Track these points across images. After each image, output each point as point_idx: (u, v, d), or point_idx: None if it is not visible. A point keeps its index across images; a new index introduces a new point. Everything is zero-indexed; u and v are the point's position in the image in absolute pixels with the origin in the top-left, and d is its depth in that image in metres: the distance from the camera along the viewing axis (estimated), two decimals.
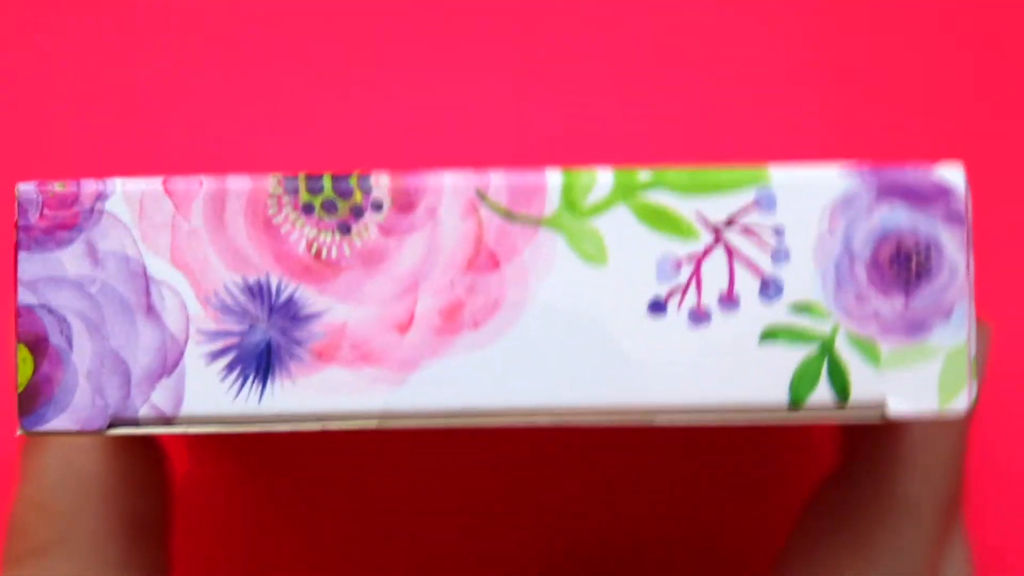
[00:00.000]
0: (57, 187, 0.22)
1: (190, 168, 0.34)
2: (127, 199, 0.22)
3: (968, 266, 0.22)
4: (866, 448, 0.30)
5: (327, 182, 0.22)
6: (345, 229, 0.22)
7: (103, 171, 0.25)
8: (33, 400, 0.22)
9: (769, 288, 0.23)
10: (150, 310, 0.22)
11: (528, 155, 0.35)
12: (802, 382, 0.23)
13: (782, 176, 0.23)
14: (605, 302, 0.23)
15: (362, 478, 0.35)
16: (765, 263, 0.23)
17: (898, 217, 0.22)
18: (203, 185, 0.22)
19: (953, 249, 0.22)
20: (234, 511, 0.35)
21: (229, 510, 0.35)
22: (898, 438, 0.29)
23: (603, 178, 0.22)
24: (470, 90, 0.35)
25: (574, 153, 0.35)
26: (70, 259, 0.22)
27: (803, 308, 0.23)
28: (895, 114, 0.35)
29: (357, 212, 0.22)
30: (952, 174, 0.22)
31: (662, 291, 0.23)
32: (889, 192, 0.22)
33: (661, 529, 0.35)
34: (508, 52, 0.36)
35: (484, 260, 0.23)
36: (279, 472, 0.35)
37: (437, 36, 0.36)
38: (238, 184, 0.22)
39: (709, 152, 0.35)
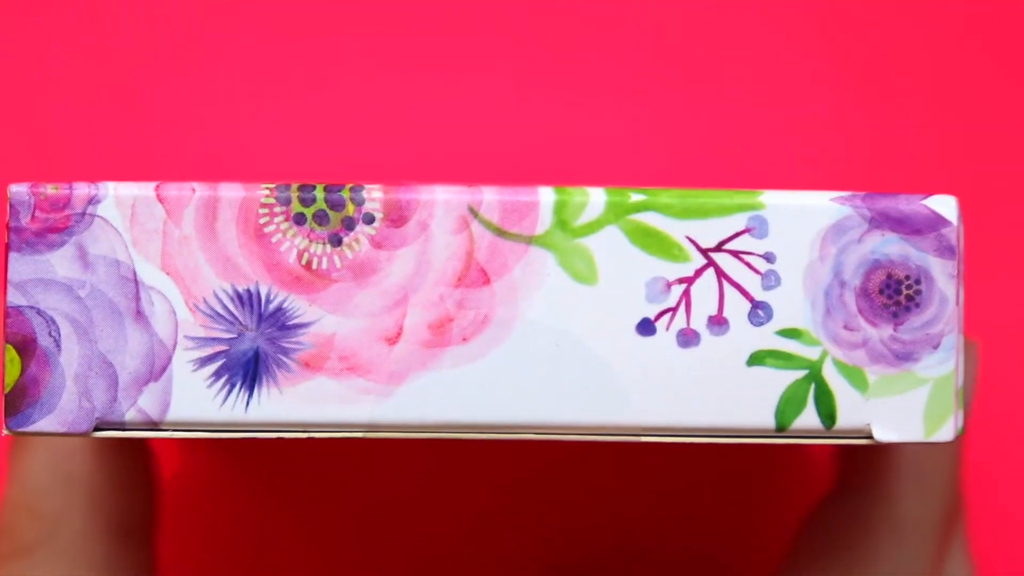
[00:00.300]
0: (50, 189, 0.22)
1: (183, 174, 0.34)
2: (119, 204, 0.22)
3: (958, 297, 0.23)
4: (862, 467, 0.30)
5: (320, 193, 0.22)
6: (336, 241, 0.22)
7: (96, 175, 0.25)
8: (19, 401, 0.22)
9: (758, 313, 0.23)
10: (139, 315, 0.22)
11: (522, 169, 0.35)
12: (789, 406, 0.23)
13: (774, 202, 0.23)
14: (594, 321, 0.23)
15: (358, 480, 0.35)
16: (755, 288, 0.23)
17: (889, 246, 0.22)
18: (195, 192, 0.22)
19: (944, 280, 0.22)
20: (226, 512, 0.35)
21: (220, 511, 0.35)
22: (893, 457, 0.29)
23: (596, 198, 0.22)
24: (466, 100, 0.35)
25: (569, 169, 0.35)
26: (60, 262, 0.22)
27: (792, 333, 0.23)
28: (892, 140, 0.35)
29: (349, 224, 0.22)
30: (945, 205, 0.22)
31: (651, 312, 0.23)
32: (881, 221, 0.22)
33: (658, 541, 0.35)
34: (505, 66, 0.36)
35: (474, 276, 0.23)
36: (272, 473, 0.35)
37: (434, 46, 0.36)
38: (230, 192, 0.22)
39: (704, 171, 0.35)
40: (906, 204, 0.23)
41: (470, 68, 0.36)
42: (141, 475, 0.31)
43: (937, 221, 0.22)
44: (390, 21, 0.36)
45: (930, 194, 0.23)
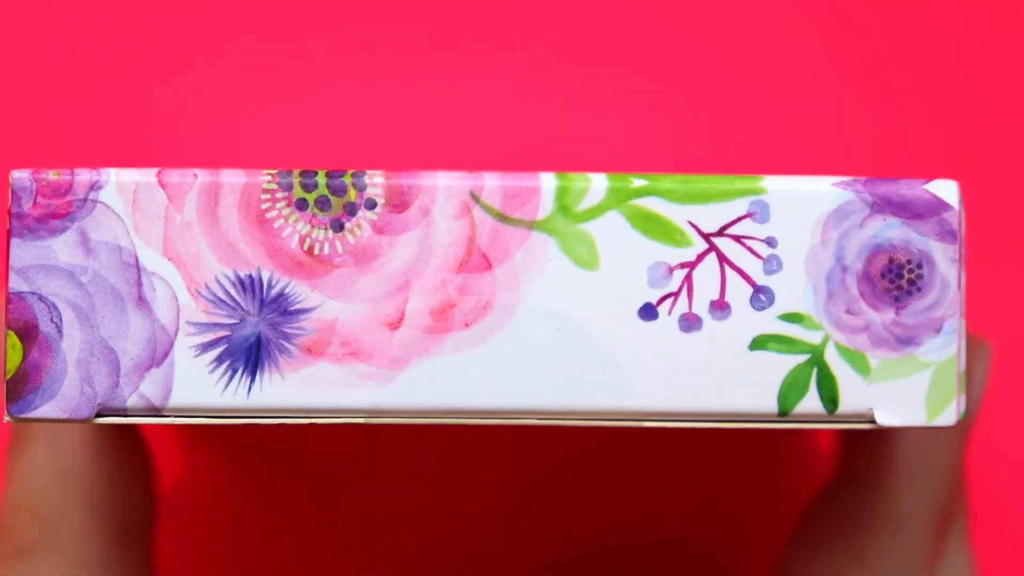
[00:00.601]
0: (51, 175, 0.22)
1: (185, 161, 0.34)
2: (121, 190, 0.22)
3: (960, 281, 0.23)
4: (863, 458, 0.30)
5: (322, 179, 0.22)
6: (338, 226, 0.22)
7: (98, 161, 0.25)
8: (21, 387, 0.22)
9: (760, 297, 0.23)
10: (141, 301, 0.22)
11: (524, 157, 0.35)
12: (791, 391, 0.23)
13: (776, 187, 0.23)
14: (596, 306, 0.23)
15: (358, 477, 0.35)
16: (757, 272, 0.23)
17: (891, 231, 0.22)
18: (197, 178, 0.22)
19: (945, 264, 0.22)
20: (226, 512, 0.35)
21: (220, 511, 0.35)
22: (894, 449, 0.29)
23: (597, 183, 0.23)
24: (468, 89, 0.35)
25: (570, 157, 0.35)
26: (62, 248, 0.22)
27: (794, 318, 0.23)
28: (893, 127, 0.35)
29: (351, 209, 0.22)
30: (946, 190, 0.22)
31: (653, 296, 0.23)
32: (883, 205, 0.22)
33: (659, 532, 0.35)
34: (507, 54, 0.36)
35: (476, 261, 0.23)
36: (272, 471, 0.35)
37: (436, 34, 0.36)
38: (232, 178, 0.22)
39: (706, 159, 0.35)
40: (907, 189, 0.23)
41: (473, 57, 0.36)
42: (140, 474, 0.31)
43: (938, 205, 0.22)
44: (393, 11, 0.36)
45: (931, 179, 0.23)
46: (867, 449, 0.30)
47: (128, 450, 0.30)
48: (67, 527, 0.29)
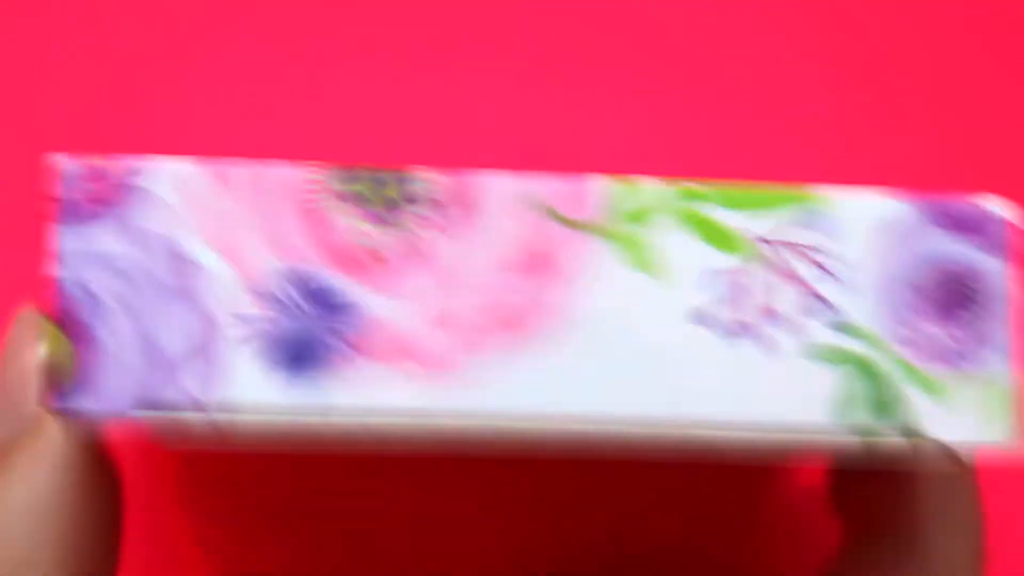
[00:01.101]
0: (98, 162, 0.22)
1: (228, 153, 0.33)
2: (170, 179, 0.22)
3: (1014, 297, 0.23)
4: (887, 511, 0.29)
5: (376, 175, 0.22)
6: (392, 223, 0.22)
7: (143, 150, 0.25)
8: (62, 380, 0.22)
9: (812, 308, 0.23)
10: (187, 292, 0.22)
11: (524, 157, 0.34)
12: (843, 403, 0.23)
13: (831, 198, 0.22)
14: (648, 310, 0.22)
15: (357, 479, 0.35)
16: (812, 283, 0.23)
17: (945, 245, 0.22)
18: (248, 170, 0.22)
19: (998, 280, 0.22)
20: (222, 531, 0.35)
21: (212, 537, 0.35)
22: (917, 499, 0.29)
23: (653, 188, 0.22)
24: (468, 89, 0.35)
25: (570, 157, 0.34)
26: (108, 236, 0.22)
27: (846, 329, 0.23)
28: (896, 129, 0.35)
29: (405, 207, 0.22)
30: (1000, 206, 0.23)
31: (706, 302, 0.22)
32: (937, 220, 0.22)
33: (659, 532, 0.35)
34: (507, 54, 0.35)
35: (529, 263, 0.22)
36: (272, 476, 0.35)
37: (436, 33, 0.35)
38: (285, 171, 0.22)
39: (706, 159, 0.35)
40: (962, 204, 0.23)
41: (473, 57, 0.35)
42: (109, 522, 0.30)
43: (993, 221, 0.23)
44: (393, 11, 0.35)
45: (986, 194, 0.23)
46: (888, 500, 0.29)
47: (103, 496, 0.29)
48: (36, 563, 0.28)
